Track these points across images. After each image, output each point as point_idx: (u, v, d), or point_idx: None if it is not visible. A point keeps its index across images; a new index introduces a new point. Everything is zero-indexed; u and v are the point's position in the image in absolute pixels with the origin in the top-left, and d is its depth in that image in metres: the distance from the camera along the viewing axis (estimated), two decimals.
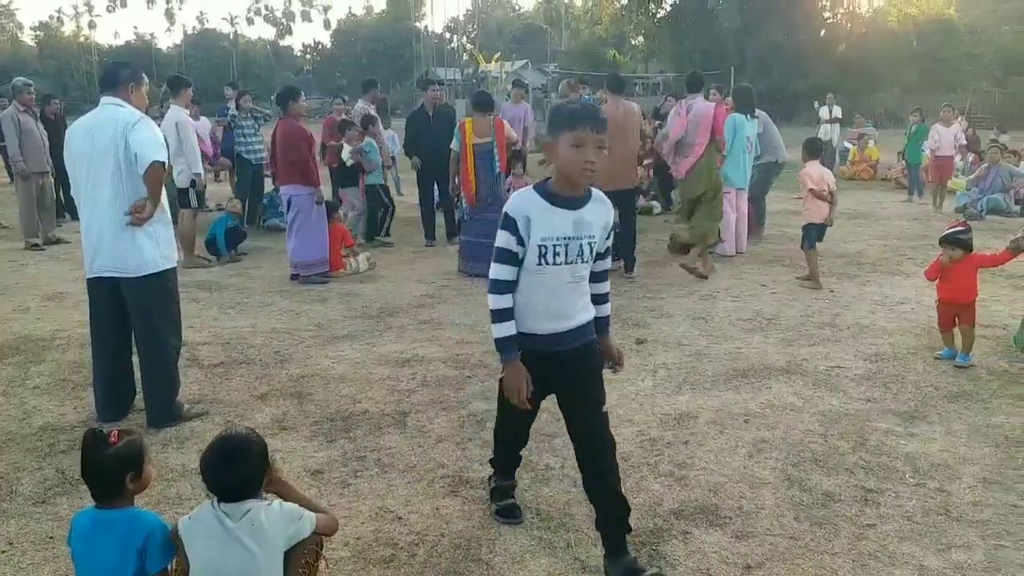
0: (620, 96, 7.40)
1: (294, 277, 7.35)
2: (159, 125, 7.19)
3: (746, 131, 8.13)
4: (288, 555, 2.17)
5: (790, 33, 34.38)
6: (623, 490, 2.75)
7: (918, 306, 6.16)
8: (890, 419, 4.05)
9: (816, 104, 18.13)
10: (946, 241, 4.85)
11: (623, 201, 7.40)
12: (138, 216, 3.89)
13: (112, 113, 3.93)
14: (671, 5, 39.04)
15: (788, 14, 33.92)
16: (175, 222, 4.86)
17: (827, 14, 37.51)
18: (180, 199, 7.82)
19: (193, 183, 7.85)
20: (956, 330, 4.87)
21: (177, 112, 7.86)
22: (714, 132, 7.41)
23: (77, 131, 3.99)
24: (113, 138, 3.85)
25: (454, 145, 7.58)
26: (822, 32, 37.01)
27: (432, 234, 9.24)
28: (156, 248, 4.02)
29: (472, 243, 7.51)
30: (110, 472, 2.18)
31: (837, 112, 16.57)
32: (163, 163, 3.97)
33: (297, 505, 2.25)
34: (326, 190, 8.35)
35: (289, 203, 7.35)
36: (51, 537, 3.03)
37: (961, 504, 3.21)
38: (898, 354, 5.04)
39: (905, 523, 3.07)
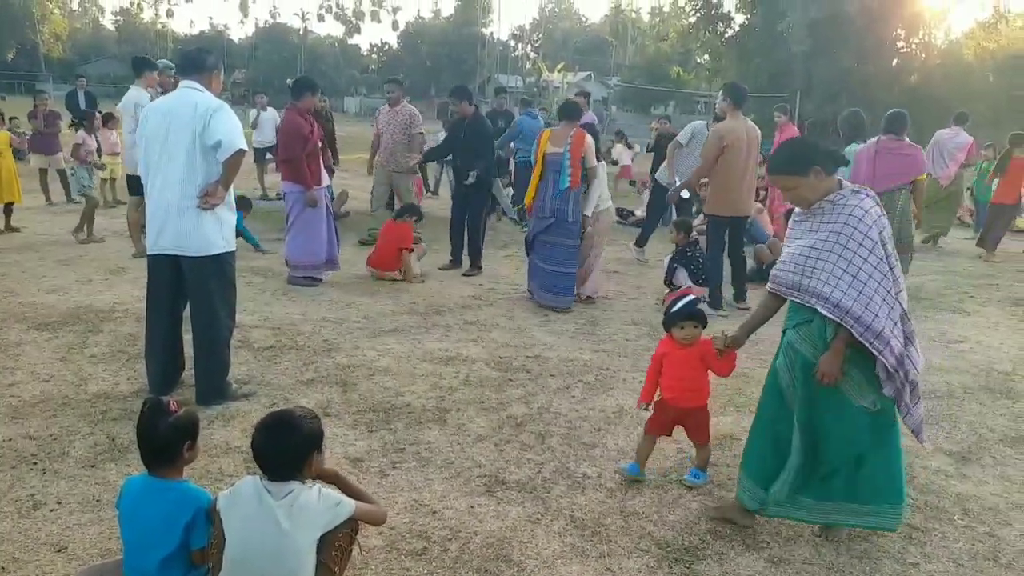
0: (740, 110, 6.66)
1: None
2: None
3: None
4: (323, 539, 2.20)
5: (860, 60, 33.63)
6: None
7: (976, 345, 5.97)
8: (941, 458, 3.93)
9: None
10: (681, 317, 3.42)
11: (735, 228, 6.79)
12: (209, 199, 4.00)
13: (191, 96, 4.04)
14: (740, 25, 38.60)
15: (860, 41, 33.20)
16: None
17: (901, 43, 36.66)
18: (137, 187, 6.92)
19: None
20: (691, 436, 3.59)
21: (138, 92, 7.28)
22: None
23: (155, 111, 4.12)
24: (191, 120, 3.96)
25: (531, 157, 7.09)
26: (894, 61, 36.15)
27: (454, 255, 8.02)
28: (219, 230, 4.12)
29: (537, 268, 6.63)
30: (168, 440, 2.24)
31: None
32: (245, 151, 4.09)
33: (337, 491, 2.28)
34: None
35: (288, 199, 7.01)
36: (98, 500, 3.12)
37: (1011, 551, 3.09)
38: (953, 393, 4.89)
39: (951, 565, 2.98)
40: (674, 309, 3.44)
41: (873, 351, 2.77)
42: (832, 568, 2.91)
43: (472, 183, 7.65)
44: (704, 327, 3.43)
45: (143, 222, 7.47)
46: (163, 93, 8.73)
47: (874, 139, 6.80)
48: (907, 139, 6.73)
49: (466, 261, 7.92)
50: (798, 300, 2.96)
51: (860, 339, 2.77)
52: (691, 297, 3.49)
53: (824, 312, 2.82)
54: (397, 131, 8.65)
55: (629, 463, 3.55)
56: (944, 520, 3.31)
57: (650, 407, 3.54)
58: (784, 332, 3.10)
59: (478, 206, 7.89)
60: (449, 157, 9.02)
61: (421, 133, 8.88)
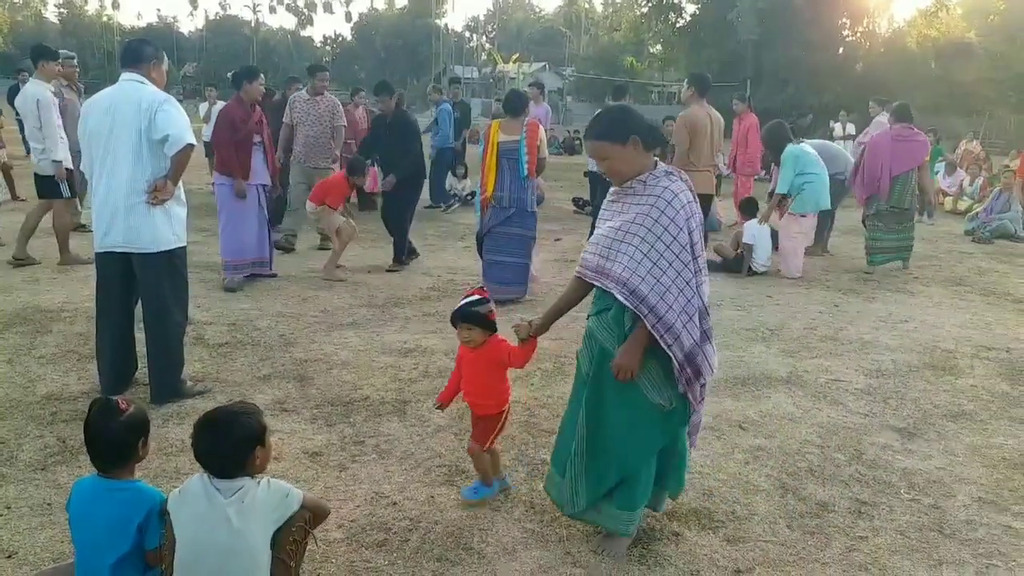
0: (704, 99, 7.40)
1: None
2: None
3: None
4: (277, 533, 2.17)
5: (808, 49, 34.30)
6: None
7: (922, 325, 6.16)
8: (888, 434, 4.06)
9: (831, 122, 18.13)
10: (458, 318, 3.06)
11: (704, 204, 6.38)
12: (158, 195, 3.93)
13: (134, 90, 3.96)
14: (691, 15, 39.07)
15: (807, 30, 33.86)
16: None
17: (846, 32, 37.45)
18: (49, 189, 6.93)
19: (69, 172, 6.84)
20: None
21: (38, 87, 6.73)
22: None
23: (96, 105, 4.02)
24: (136, 114, 3.88)
25: (479, 149, 6.95)
26: (840, 50, 36.93)
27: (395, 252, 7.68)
28: (169, 226, 4.05)
29: (493, 262, 6.42)
30: (121, 439, 2.20)
31: (851, 129, 16.60)
32: (194, 145, 4.01)
33: (284, 482, 2.26)
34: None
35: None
36: (49, 504, 3.06)
37: (955, 522, 3.21)
38: (899, 371, 5.04)
39: (898, 537, 3.08)
40: (454, 309, 3.10)
41: (662, 344, 2.62)
42: (785, 544, 2.99)
43: (401, 179, 7.29)
44: (489, 330, 3.06)
45: (80, 222, 7.22)
46: (67, 86, 7.97)
47: (886, 128, 7.97)
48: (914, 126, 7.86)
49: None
50: (598, 284, 2.76)
51: (652, 330, 2.61)
52: (475, 297, 3.07)
53: (620, 298, 2.64)
54: (317, 123, 8.09)
55: (464, 488, 3.25)
56: (891, 494, 3.42)
57: (443, 408, 3.32)
58: (588, 319, 2.92)
59: (405, 201, 7.55)
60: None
61: (344, 126, 8.41)
